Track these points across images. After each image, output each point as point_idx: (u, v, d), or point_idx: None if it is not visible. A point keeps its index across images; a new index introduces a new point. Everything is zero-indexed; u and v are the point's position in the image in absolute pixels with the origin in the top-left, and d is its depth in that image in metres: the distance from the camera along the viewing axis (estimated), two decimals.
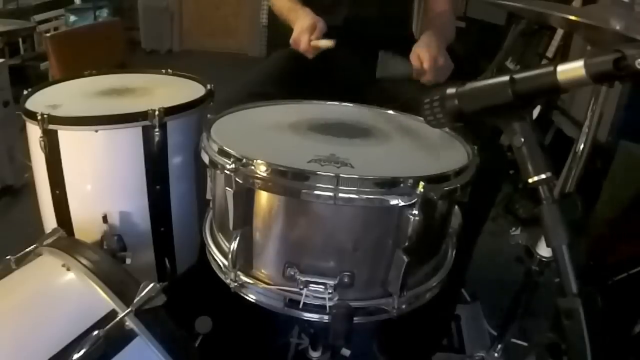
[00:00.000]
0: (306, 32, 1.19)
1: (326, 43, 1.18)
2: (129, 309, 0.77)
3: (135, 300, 0.78)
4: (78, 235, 1.18)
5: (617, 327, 1.34)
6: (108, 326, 0.74)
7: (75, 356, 0.70)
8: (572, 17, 0.94)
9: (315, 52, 1.21)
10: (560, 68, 0.61)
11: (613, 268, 1.46)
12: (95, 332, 0.72)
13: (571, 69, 0.61)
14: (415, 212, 0.76)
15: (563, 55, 2.59)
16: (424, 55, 1.13)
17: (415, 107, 0.82)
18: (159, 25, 5.17)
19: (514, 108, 0.66)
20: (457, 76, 1.15)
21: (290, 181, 0.78)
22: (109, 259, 0.91)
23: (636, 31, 0.84)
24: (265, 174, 0.79)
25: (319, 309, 0.83)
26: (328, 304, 0.82)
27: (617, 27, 0.88)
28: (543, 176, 0.65)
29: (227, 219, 0.84)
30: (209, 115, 1.01)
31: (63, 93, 1.32)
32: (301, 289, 0.82)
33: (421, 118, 0.79)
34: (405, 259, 0.80)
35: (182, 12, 5.35)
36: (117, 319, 0.76)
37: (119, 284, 0.81)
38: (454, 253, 0.99)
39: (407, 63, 1.14)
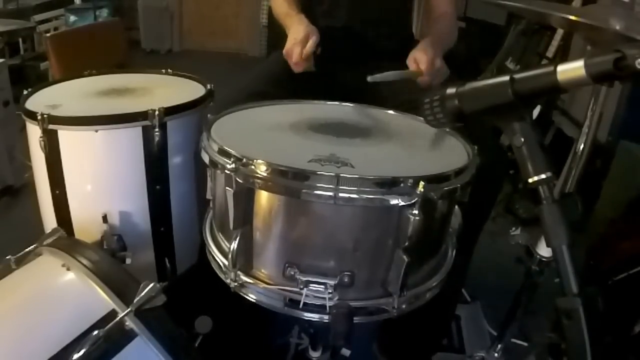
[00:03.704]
0: (299, 45, 1.17)
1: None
2: (129, 309, 0.77)
3: (135, 300, 0.78)
4: (78, 235, 1.18)
5: (617, 327, 1.34)
6: (108, 326, 0.74)
7: (75, 356, 0.70)
8: (572, 17, 0.94)
9: (304, 67, 1.19)
10: (560, 68, 0.61)
11: (613, 268, 1.46)
12: (95, 332, 0.72)
13: (571, 69, 0.61)
14: (415, 212, 0.76)
15: (563, 55, 2.59)
16: (421, 57, 1.13)
17: (415, 107, 0.82)
18: (159, 25, 5.17)
19: (514, 108, 0.66)
20: (457, 76, 1.15)
21: (290, 181, 0.78)
22: (109, 259, 0.91)
23: (636, 31, 0.84)
24: (265, 174, 0.79)
25: (319, 308, 0.83)
26: (328, 303, 0.82)
27: (617, 27, 0.88)
28: (543, 176, 0.65)
29: (227, 219, 0.84)
30: (209, 115, 1.01)
31: (63, 93, 1.32)
32: (301, 289, 0.82)
33: (421, 118, 0.79)
34: (405, 259, 0.80)
35: (182, 12, 5.35)
36: (117, 319, 0.76)
37: (119, 284, 0.81)
38: (454, 253, 0.98)
39: (398, 71, 1.14)
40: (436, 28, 1.37)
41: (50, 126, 1.11)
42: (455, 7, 1.42)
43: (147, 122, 1.14)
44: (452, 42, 1.32)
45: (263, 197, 0.83)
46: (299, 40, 1.17)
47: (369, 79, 1.08)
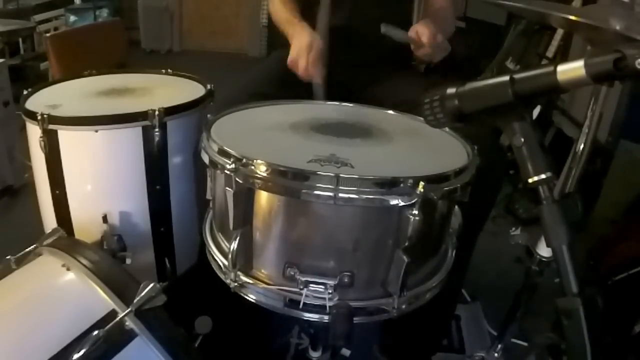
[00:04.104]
0: (304, 54, 1.16)
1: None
2: (129, 309, 0.77)
3: (135, 300, 0.78)
4: (78, 235, 1.18)
5: (617, 327, 1.34)
6: (108, 326, 0.74)
7: (75, 356, 0.70)
8: (572, 17, 0.94)
9: (312, 75, 1.19)
10: (560, 68, 0.61)
11: (613, 268, 1.46)
12: (95, 332, 0.72)
13: (571, 69, 0.61)
14: (415, 212, 0.76)
15: (563, 55, 2.59)
16: (423, 30, 1.13)
17: (415, 107, 0.82)
18: (159, 25, 5.17)
19: (514, 108, 0.66)
20: (457, 76, 1.15)
21: (290, 181, 0.78)
22: (109, 259, 0.91)
23: (636, 31, 0.83)
24: (265, 174, 0.79)
25: (319, 309, 0.83)
26: (328, 304, 0.82)
27: (617, 27, 0.88)
28: (543, 176, 0.65)
29: (227, 219, 0.84)
30: (209, 115, 1.01)
31: (63, 93, 1.32)
32: (301, 289, 0.82)
33: (421, 118, 0.79)
34: (405, 259, 0.80)
35: (182, 12, 5.35)
36: (117, 319, 0.76)
37: (119, 284, 0.81)
38: (454, 253, 0.98)
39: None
40: (434, 16, 1.37)
41: (50, 126, 1.11)
42: (453, 2, 1.43)
43: (147, 122, 1.14)
44: (450, 32, 1.32)
45: (263, 198, 0.83)
46: (304, 47, 1.17)
47: (382, 29, 1.09)
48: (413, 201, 0.76)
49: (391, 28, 1.11)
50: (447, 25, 1.33)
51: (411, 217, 0.77)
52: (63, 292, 0.86)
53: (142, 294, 0.79)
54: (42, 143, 1.13)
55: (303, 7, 1.39)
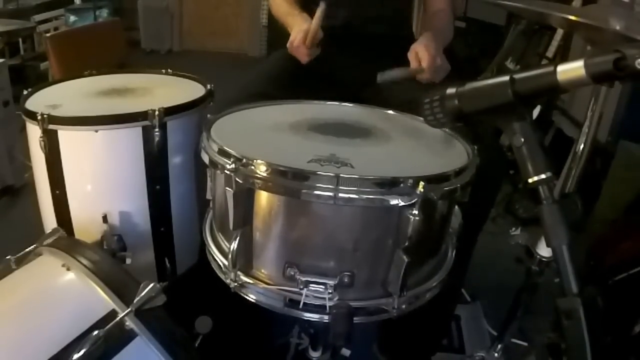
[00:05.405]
0: (302, 33, 1.18)
1: (318, 13, 1.14)
2: (129, 309, 0.77)
3: (135, 300, 0.78)
4: (78, 235, 1.18)
5: (617, 327, 1.34)
6: (108, 326, 0.74)
7: (75, 356, 0.71)
8: (572, 17, 0.94)
9: (311, 54, 1.20)
10: (560, 68, 0.61)
11: (613, 268, 1.46)
12: (95, 332, 0.72)
13: (571, 69, 0.61)
14: (415, 212, 0.76)
15: (563, 55, 2.59)
16: (423, 53, 1.13)
17: (415, 107, 0.82)
18: (159, 25, 5.17)
19: (514, 108, 0.66)
20: (457, 76, 1.15)
21: (290, 181, 0.78)
22: (109, 259, 0.91)
23: (636, 31, 0.84)
24: (265, 174, 0.79)
25: (319, 309, 0.83)
26: (328, 304, 0.82)
27: (617, 27, 0.88)
28: (543, 176, 0.65)
29: (227, 219, 0.84)
30: (209, 115, 1.01)
31: (63, 93, 1.32)
32: (301, 289, 0.82)
33: (421, 118, 0.79)
34: (405, 259, 0.80)
35: (182, 12, 5.35)
36: (117, 319, 0.76)
37: (119, 284, 0.81)
38: (454, 253, 0.99)
39: (404, 68, 1.14)
40: (434, 24, 1.37)
41: (50, 126, 1.11)
42: (451, 4, 1.43)
43: (147, 122, 1.14)
44: (449, 39, 1.32)
45: (263, 198, 0.83)
46: (302, 30, 1.18)
47: (379, 79, 1.09)
48: (413, 201, 0.76)
49: (387, 73, 1.10)
50: (446, 32, 1.32)
51: (411, 217, 0.77)
52: (63, 292, 0.86)
53: (142, 294, 0.79)
54: (42, 143, 1.12)
55: (303, 5, 1.39)
